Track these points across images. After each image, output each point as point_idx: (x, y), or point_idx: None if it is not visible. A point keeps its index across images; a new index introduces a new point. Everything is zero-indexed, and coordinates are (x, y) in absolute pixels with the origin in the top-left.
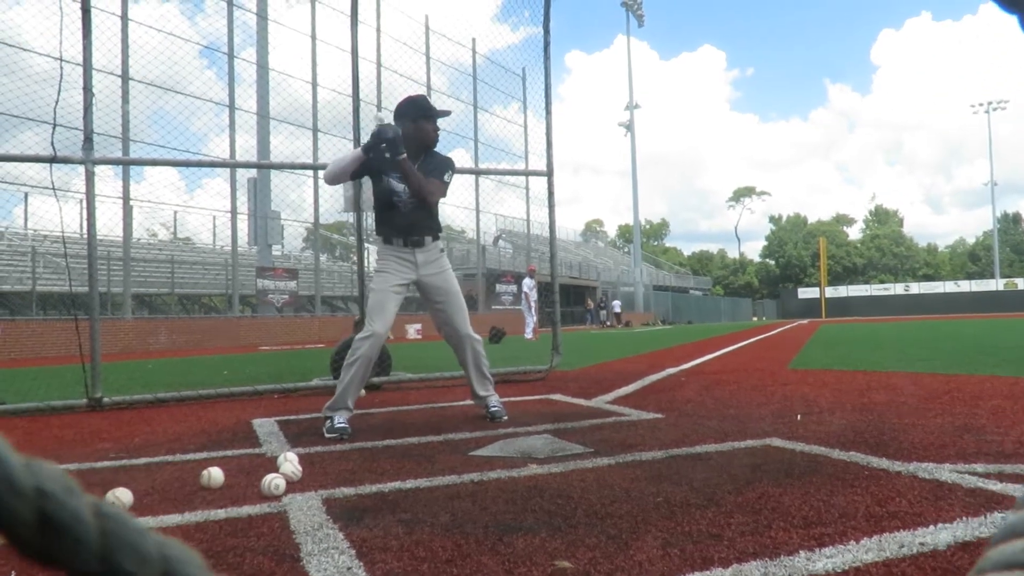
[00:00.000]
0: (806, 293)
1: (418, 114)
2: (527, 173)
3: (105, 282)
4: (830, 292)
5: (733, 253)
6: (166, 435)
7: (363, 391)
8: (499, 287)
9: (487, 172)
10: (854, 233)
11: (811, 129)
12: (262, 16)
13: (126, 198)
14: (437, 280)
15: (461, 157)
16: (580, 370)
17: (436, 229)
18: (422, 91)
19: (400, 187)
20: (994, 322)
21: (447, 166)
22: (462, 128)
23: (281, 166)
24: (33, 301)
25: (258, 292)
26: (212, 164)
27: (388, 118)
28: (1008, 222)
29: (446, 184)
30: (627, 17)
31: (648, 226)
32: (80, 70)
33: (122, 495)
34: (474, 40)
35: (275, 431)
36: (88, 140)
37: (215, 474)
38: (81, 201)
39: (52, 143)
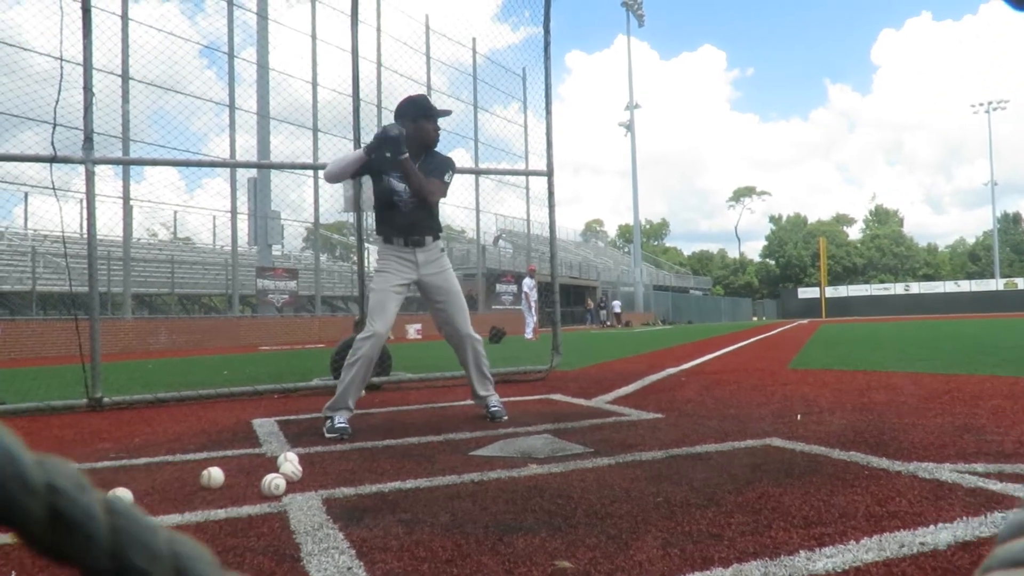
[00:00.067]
0: (806, 293)
1: (418, 114)
2: (527, 173)
3: (105, 282)
4: (830, 292)
5: (733, 253)
6: (166, 435)
7: (363, 391)
8: (499, 287)
9: (487, 172)
10: (854, 233)
11: (811, 129)
12: (262, 16)
13: (126, 198)
14: (438, 280)
15: (461, 157)
16: (580, 370)
17: (437, 229)
18: (422, 91)
19: (401, 187)
20: (994, 322)
21: (448, 166)
22: (462, 128)
23: (281, 166)
24: (33, 301)
25: (258, 292)
26: (212, 164)
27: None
28: (1008, 222)
29: (447, 184)
30: (627, 17)
31: (648, 226)
32: (80, 70)
33: (122, 495)
34: (474, 40)
35: (275, 431)
36: (88, 140)
37: (215, 474)
38: (81, 201)
39: (52, 143)
